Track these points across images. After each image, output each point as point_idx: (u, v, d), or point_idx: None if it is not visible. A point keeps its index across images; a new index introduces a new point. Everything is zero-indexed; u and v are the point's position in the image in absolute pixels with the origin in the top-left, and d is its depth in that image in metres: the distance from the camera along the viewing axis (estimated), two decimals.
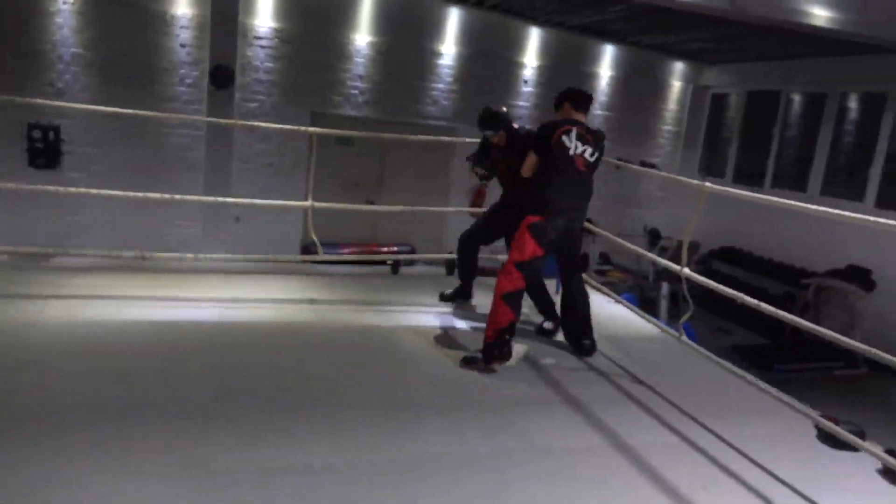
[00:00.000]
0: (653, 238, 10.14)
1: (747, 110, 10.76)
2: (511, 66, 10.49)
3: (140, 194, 5.63)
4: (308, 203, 5.25)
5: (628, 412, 3.63)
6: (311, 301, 4.97)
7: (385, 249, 10.40)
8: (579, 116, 4.27)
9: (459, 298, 5.20)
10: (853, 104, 9.37)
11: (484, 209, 5.27)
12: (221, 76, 9.03)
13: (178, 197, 5.84)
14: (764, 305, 3.49)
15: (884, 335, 8.11)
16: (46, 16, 8.45)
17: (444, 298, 5.22)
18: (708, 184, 3.85)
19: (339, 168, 10.08)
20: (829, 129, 9.44)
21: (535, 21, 10.24)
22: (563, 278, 4.52)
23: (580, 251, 4.57)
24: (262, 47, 9.35)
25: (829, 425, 3.22)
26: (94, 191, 6.39)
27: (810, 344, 8.66)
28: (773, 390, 3.59)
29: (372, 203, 10.38)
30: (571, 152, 4.09)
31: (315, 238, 5.28)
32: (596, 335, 4.48)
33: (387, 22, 9.67)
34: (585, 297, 4.47)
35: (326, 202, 6.25)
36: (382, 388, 3.68)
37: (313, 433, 3.11)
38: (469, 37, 10.10)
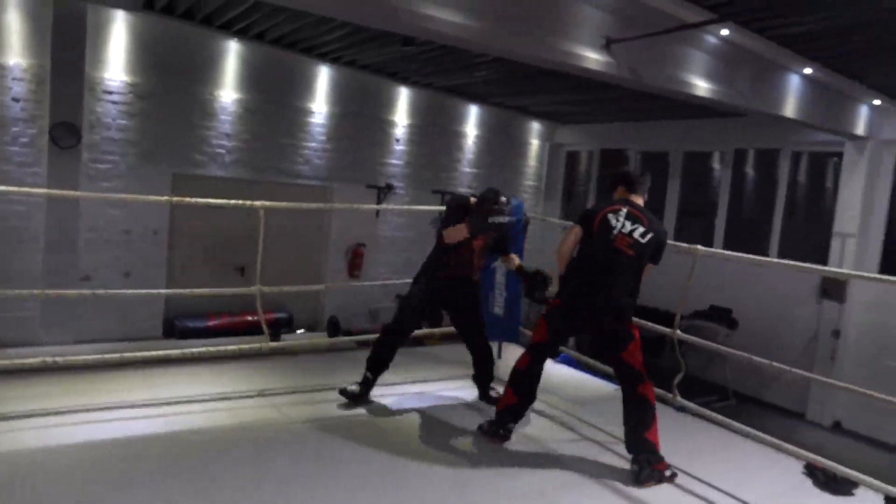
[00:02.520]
0: None
1: (601, 166, 11.64)
2: (382, 124, 10.41)
3: None
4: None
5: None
6: (261, 393, 4.39)
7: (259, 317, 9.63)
8: (636, 199, 3.85)
9: (365, 392, 4.39)
10: (692, 161, 10.54)
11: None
12: (64, 134, 7.93)
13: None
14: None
15: (745, 367, 9.05)
16: None
17: (345, 394, 4.35)
18: (700, 247, 3.99)
19: (207, 232, 9.24)
20: (675, 183, 10.49)
21: (405, 81, 10.31)
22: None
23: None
24: (114, 103, 8.36)
25: (842, 471, 3.40)
26: None
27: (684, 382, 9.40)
28: (782, 443, 3.75)
29: (242, 269, 9.60)
30: (616, 231, 3.68)
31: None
32: (567, 400, 4.44)
33: (254, 79, 9.15)
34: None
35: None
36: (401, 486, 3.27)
37: None
38: (340, 95, 9.88)
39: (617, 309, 3.65)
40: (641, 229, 3.69)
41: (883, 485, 3.25)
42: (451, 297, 4.38)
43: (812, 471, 3.72)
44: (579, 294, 3.70)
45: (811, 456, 3.64)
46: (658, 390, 4.50)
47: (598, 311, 3.67)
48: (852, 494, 3.54)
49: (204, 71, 8.84)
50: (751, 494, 3.50)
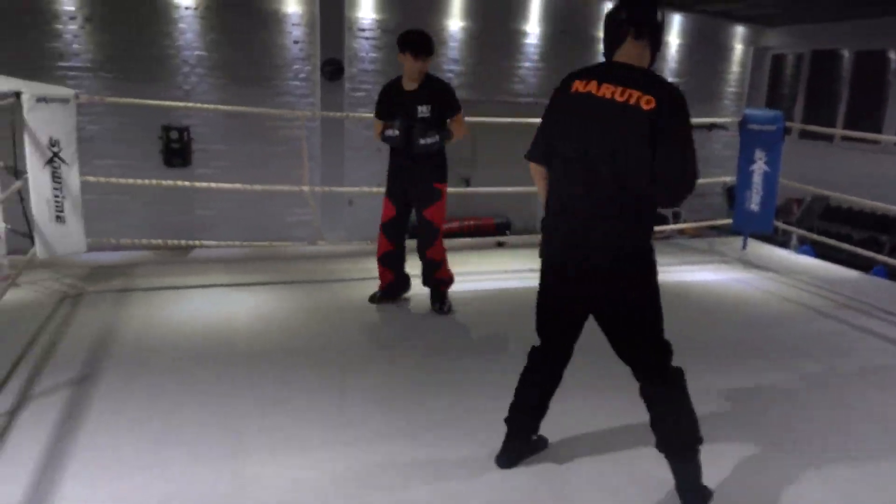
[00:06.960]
0: (731, 196, 10.87)
1: (812, 69, 11.46)
2: (589, 41, 11.06)
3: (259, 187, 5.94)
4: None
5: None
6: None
7: (484, 222, 11.09)
8: None
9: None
10: None
11: None
12: (332, 69, 9.55)
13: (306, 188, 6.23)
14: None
15: None
16: (171, 21, 8.85)
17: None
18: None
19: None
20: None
21: None
22: None
23: None
24: (367, 39, 9.83)
25: None
26: (223, 185, 6.84)
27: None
28: None
29: (468, 180, 10.98)
30: None
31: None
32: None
33: (477, 7, 10.18)
34: None
35: None
36: None
37: None
38: (552, 16, 10.65)
39: None
40: None
41: None
42: None
43: None
44: None
45: None
46: None
47: None
48: None
49: (435, 3, 10.01)
50: None
